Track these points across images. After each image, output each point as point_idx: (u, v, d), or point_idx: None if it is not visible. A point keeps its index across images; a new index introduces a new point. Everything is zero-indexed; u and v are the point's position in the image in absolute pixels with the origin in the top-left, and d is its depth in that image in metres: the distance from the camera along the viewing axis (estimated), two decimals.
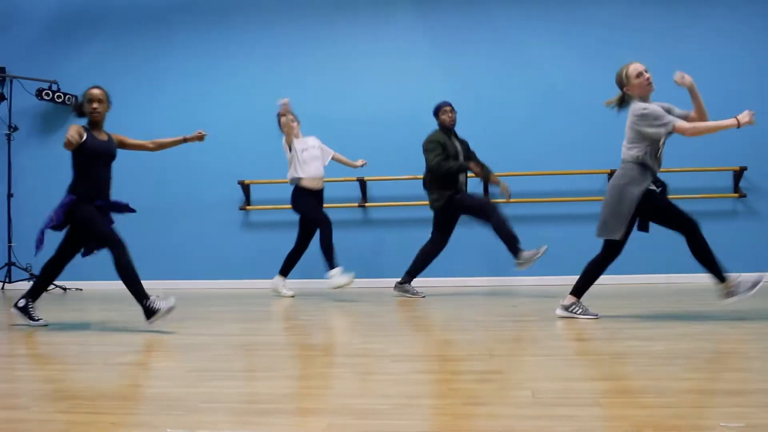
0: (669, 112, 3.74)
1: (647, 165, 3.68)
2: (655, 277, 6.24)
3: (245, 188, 6.91)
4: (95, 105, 3.87)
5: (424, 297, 5.32)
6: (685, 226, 3.72)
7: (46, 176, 7.35)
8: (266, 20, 7.08)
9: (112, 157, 3.96)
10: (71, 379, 2.50)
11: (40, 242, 3.87)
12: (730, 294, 3.75)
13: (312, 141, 5.68)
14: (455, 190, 5.31)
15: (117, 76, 6.99)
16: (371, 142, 6.72)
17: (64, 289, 6.77)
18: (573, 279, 6.30)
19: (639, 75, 3.72)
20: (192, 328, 3.81)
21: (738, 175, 6.31)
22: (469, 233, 6.15)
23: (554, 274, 6.16)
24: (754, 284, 3.73)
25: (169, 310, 3.68)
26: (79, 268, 7.12)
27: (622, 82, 3.79)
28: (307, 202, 5.55)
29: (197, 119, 7.00)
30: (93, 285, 7.02)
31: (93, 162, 3.83)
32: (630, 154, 3.71)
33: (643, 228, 3.89)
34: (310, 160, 5.56)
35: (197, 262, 6.95)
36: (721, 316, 3.80)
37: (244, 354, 3.04)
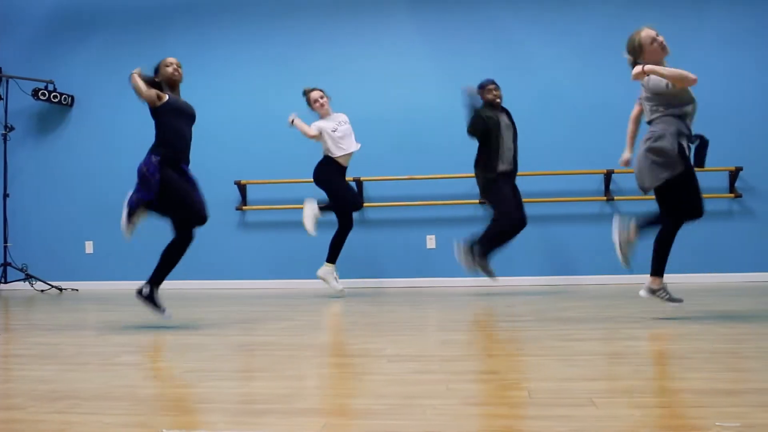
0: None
1: (673, 123, 3.49)
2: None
3: (242, 188, 6.91)
4: (176, 66, 3.89)
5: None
6: (681, 211, 3.60)
7: (43, 176, 7.35)
8: (264, 21, 7.08)
9: (194, 118, 3.95)
10: (67, 379, 2.50)
11: (135, 214, 3.81)
12: (652, 292, 3.75)
13: (343, 117, 5.65)
14: (496, 174, 5.34)
15: (113, 76, 6.99)
16: (369, 142, 6.71)
17: (60, 289, 6.76)
18: (571, 279, 6.39)
19: (653, 41, 3.54)
20: (188, 328, 3.81)
21: (734, 175, 6.33)
22: (468, 233, 6.13)
23: (552, 274, 6.17)
24: (676, 300, 3.75)
25: (160, 314, 3.80)
26: (76, 268, 7.19)
27: (635, 51, 3.59)
28: (340, 180, 5.49)
29: None
30: (89, 285, 7.02)
31: (177, 119, 3.81)
32: (651, 119, 3.59)
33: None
34: (346, 135, 5.53)
35: (193, 262, 6.91)
36: (717, 316, 3.81)
37: (241, 354, 3.04)
